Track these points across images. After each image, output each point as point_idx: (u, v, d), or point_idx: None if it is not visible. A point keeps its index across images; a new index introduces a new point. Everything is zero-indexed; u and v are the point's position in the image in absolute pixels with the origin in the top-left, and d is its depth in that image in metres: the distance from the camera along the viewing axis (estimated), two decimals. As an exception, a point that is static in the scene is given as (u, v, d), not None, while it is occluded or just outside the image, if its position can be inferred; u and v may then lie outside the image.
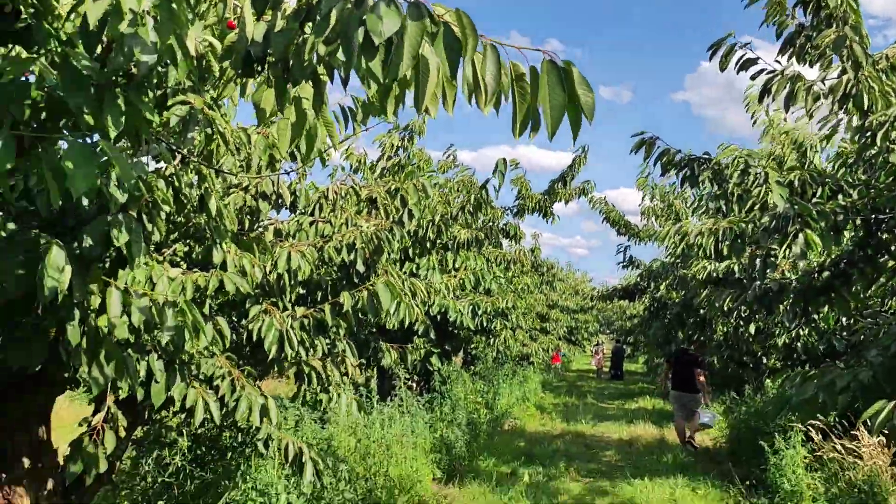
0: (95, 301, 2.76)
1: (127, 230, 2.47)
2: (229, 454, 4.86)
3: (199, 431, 5.05)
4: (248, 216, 4.30)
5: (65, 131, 2.15)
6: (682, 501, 7.78)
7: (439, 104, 1.96)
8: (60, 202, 2.60)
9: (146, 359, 3.24)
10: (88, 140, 2.11)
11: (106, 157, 1.96)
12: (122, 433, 3.16)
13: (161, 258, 3.70)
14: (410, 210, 4.87)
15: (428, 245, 5.50)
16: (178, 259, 4.05)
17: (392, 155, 8.52)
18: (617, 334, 32.74)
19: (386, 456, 7.16)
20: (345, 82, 2.02)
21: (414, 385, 10.98)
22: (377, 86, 2.02)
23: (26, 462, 4.00)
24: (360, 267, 4.22)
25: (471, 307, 9.12)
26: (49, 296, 2.27)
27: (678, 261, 11.94)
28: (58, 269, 2.21)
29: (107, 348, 2.76)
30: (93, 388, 2.75)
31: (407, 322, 4.04)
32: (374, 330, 7.83)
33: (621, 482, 8.78)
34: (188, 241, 4.11)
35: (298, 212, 4.77)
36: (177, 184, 3.34)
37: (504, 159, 7.21)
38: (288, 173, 4.44)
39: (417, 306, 4.39)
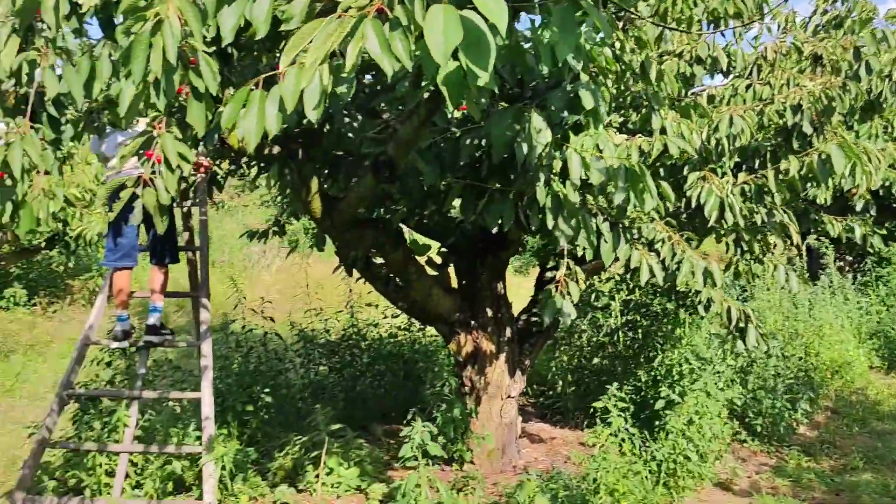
0: (557, 165, 3.01)
1: (591, 94, 2.61)
2: (661, 319, 5.03)
3: (630, 297, 5.31)
4: (682, 82, 4.22)
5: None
6: None
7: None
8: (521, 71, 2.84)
9: (593, 221, 3.46)
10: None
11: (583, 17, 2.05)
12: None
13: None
14: (868, 63, 4.27)
15: (884, 104, 4.75)
16: (615, 129, 4.18)
17: (828, 8, 7.49)
18: None
19: (816, 337, 6.74)
20: None
21: (846, 266, 9.99)
22: None
23: (489, 312, 4.67)
24: (807, 129, 3.87)
25: (928, 180, 7.78)
26: (527, 157, 2.53)
27: None
28: (538, 131, 2.44)
29: (568, 207, 3.02)
30: (560, 241, 3.05)
31: (864, 186, 3.64)
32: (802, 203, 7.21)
33: None
34: (622, 110, 4.21)
35: (733, 76, 4.52)
36: (619, 51, 3.41)
37: None
38: (723, 33, 4.22)
39: (873, 173, 3.90)
